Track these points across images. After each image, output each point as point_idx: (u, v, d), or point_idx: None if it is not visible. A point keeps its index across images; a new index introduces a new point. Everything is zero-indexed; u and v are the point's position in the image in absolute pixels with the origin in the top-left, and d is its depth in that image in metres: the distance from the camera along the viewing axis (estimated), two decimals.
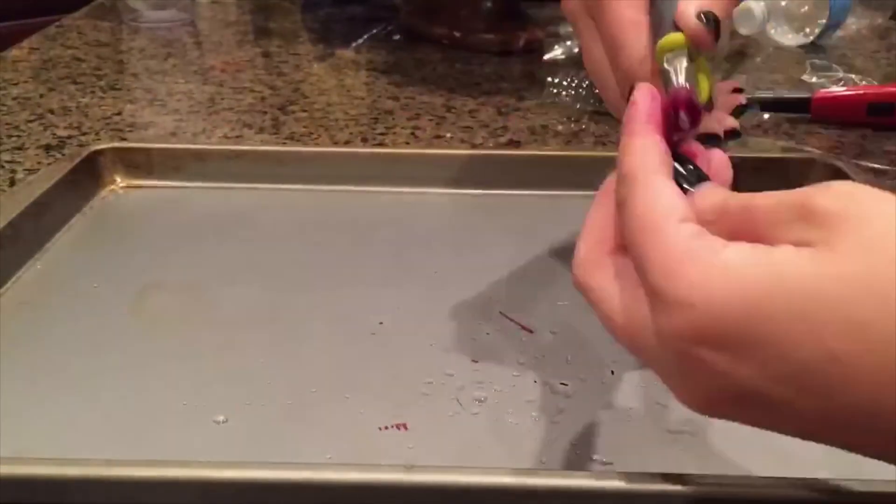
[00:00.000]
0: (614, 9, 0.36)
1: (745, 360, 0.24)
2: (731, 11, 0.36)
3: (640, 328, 0.27)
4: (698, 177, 0.30)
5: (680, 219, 0.27)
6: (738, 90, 0.41)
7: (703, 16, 0.33)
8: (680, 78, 0.32)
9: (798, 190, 0.25)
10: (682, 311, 0.25)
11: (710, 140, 0.34)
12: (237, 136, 0.69)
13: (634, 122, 0.31)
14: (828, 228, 0.24)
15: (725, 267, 0.25)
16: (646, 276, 0.27)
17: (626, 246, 0.29)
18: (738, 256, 0.25)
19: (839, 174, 0.56)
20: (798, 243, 0.24)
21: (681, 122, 0.32)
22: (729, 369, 0.24)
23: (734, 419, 0.26)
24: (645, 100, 0.32)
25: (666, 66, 0.33)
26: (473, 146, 0.67)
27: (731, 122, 0.38)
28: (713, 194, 0.28)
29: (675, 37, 0.34)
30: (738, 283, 0.24)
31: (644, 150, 0.30)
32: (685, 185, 0.30)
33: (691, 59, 0.33)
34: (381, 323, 0.45)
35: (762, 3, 0.90)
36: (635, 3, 0.36)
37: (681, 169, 0.30)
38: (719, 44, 0.34)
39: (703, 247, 0.25)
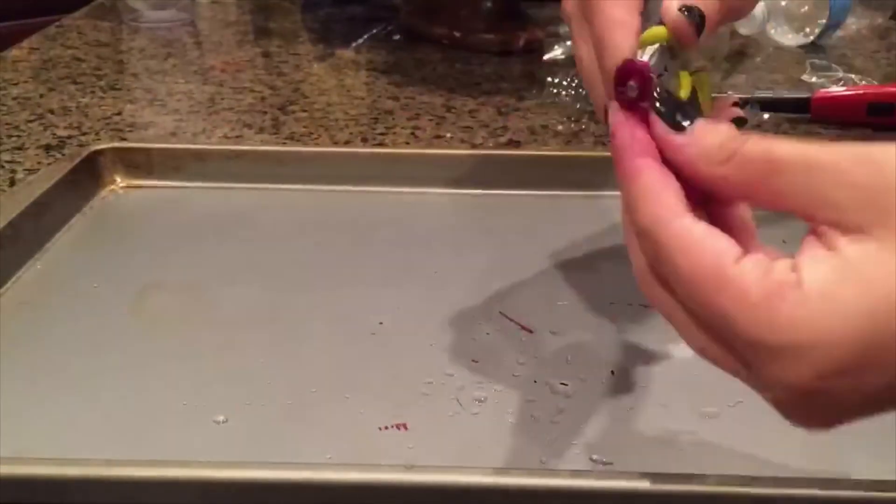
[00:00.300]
0: (603, 9, 0.35)
1: (868, 372, 0.24)
2: (722, 14, 0.34)
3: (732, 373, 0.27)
4: (685, 110, 0.29)
5: (735, 259, 0.25)
6: (736, 104, 0.40)
7: (685, 8, 0.33)
8: (644, 57, 0.32)
9: (827, 155, 0.24)
10: (795, 357, 0.24)
11: None
12: (237, 136, 0.69)
13: (626, 160, 0.28)
14: (875, 209, 0.24)
15: (820, 297, 0.24)
16: (734, 334, 0.25)
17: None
18: (823, 279, 0.24)
19: None
20: (844, 226, 0.24)
21: (629, 90, 0.29)
22: (854, 384, 0.24)
23: (858, 420, 0.26)
24: (623, 127, 0.29)
25: (640, 56, 0.32)
26: (473, 146, 0.67)
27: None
28: (716, 131, 0.27)
29: (656, 29, 0.33)
30: (840, 311, 0.23)
31: (653, 192, 0.27)
32: (680, 120, 0.28)
33: (674, 56, 0.33)
34: (381, 323, 0.45)
35: (762, 3, 0.90)
36: (627, 3, 0.35)
37: (664, 108, 0.29)
38: (719, 46, 0.34)
39: (780, 282, 0.24)
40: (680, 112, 0.28)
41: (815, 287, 0.24)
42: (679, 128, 0.28)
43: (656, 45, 0.32)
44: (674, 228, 0.26)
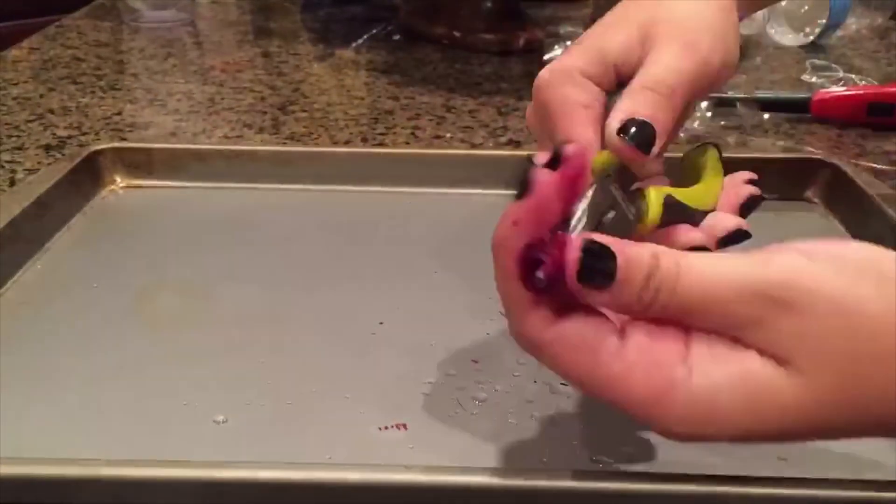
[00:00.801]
0: (561, 128, 0.31)
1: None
2: (682, 111, 0.30)
3: None
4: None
5: (612, 352, 0.25)
6: (751, 181, 0.35)
7: (624, 130, 0.29)
8: (572, 221, 0.26)
9: (744, 275, 0.25)
10: (676, 435, 0.26)
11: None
12: (237, 136, 0.69)
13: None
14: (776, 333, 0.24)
15: (706, 404, 0.25)
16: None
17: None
18: (714, 384, 0.25)
19: (839, 174, 0.56)
20: (761, 349, 0.25)
21: (536, 280, 0.25)
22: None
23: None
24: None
25: (585, 195, 0.27)
26: (473, 146, 0.67)
27: (734, 223, 0.33)
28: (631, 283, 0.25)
29: (601, 156, 0.29)
30: (725, 424, 0.25)
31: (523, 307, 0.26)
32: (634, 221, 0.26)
33: (632, 176, 0.28)
34: (381, 323, 0.45)
35: None
36: (584, 115, 0.31)
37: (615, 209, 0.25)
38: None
39: (669, 381, 0.25)
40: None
41: (703, 391, 0.25)
42: None
43: (588, 195, 0.27)
44: (548, 335, 0.26)
